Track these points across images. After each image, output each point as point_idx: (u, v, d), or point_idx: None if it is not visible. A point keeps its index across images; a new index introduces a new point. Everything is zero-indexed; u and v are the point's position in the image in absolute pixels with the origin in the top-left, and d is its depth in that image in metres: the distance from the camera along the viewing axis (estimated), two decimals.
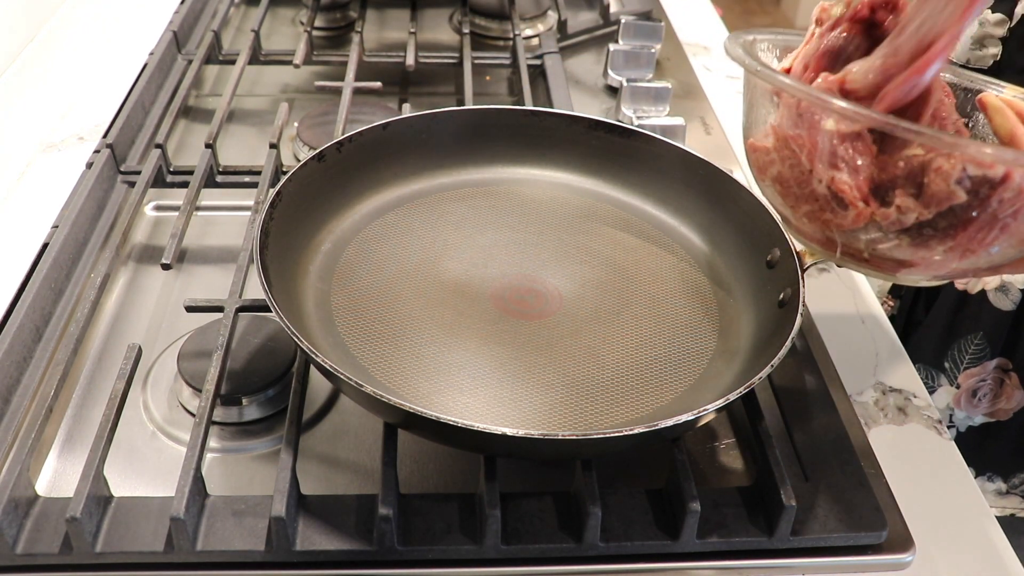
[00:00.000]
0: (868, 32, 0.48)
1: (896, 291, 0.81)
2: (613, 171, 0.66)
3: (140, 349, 0.52)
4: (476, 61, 0.87)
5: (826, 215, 0.47)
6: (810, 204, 0.48)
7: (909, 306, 0.81)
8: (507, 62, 0.90)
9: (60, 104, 0.83)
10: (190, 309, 0.56)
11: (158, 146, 0.70)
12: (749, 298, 0.57)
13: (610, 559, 0.46)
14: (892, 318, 0.82)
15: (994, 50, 0.71)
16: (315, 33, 0.96)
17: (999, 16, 0.71)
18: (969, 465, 0.61)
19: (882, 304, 0.83)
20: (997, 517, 0.52)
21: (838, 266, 0.54)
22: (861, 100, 0.45)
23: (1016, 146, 0.45)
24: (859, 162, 0.44)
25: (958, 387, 0.78)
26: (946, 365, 0.79)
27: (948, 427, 0.80)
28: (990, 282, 0.76)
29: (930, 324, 0.79)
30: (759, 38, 0.56)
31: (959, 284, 0.76)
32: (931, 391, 0.80)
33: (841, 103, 0.42)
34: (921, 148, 0.43)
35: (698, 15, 1.08)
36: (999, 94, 0.50)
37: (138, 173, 0.69)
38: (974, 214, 0.42)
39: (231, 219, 0.71)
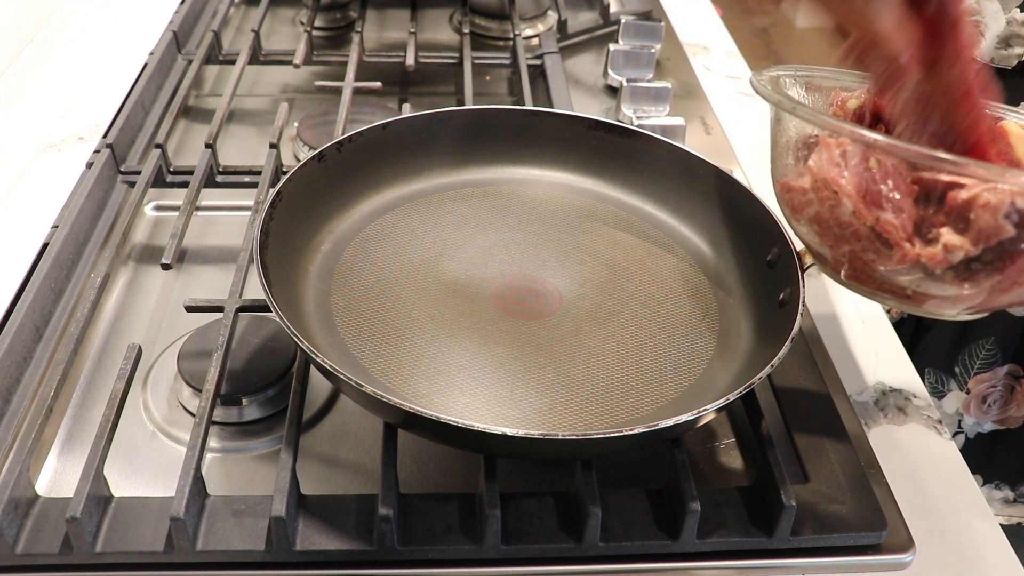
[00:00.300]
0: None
1: None
2: (613, 171, 0.66)
3: (140, 349, 0.52)
4: (476, 61, 0.87)
5: (868, 256, 0.46)
6: (851, 245, 0.46)
7: None
8: (507, 62, 0.90)
9: (60, 104, 0.83)
10: (190, 309, 0.56)
11: (158, 146, 0.70)
12: (749, 298, 0.57)
13: (610, 559, 0.46)
14: (901, 321, 0.82)
15: (1019, 50, 0.70)
16: (315, 33, 0.96)
17: None
18: (977, 472, 0.61)
19: (892, 307, 0.82)
20: (1004, 526, 0.52)
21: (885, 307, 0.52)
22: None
23: None
24: (903, 202, 0.43)
25: (968, 392, 0.78)
26: (956, 370, 0.78)
27: (957, 433, 0.80)
28: None
29: (941, 328, 0.79)
30: (782, 74, 0.54)
31: None
32: (940, 396, 0.79)
33: (885, 139, 0.41)
34: (966, 182, 0.42)
35: (698, 15, 1.08)
36: (1019, 121, 0.50)
37: (138, 173, 0.69)
38: (1023, 247, 0.41)
39: (231, 219, 0.71)
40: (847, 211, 0.45)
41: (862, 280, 0.48)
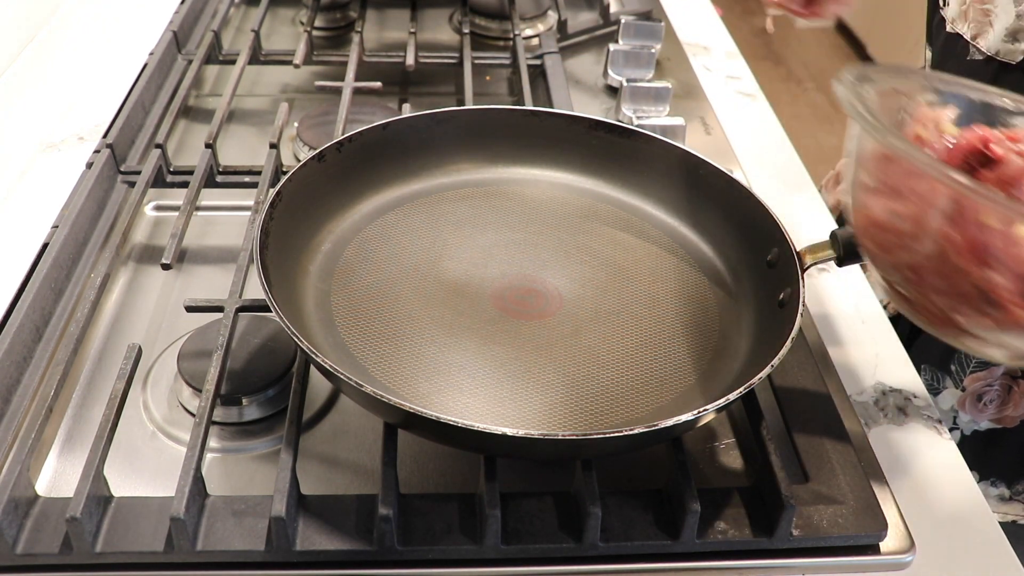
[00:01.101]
0: (977, 162, 0.44)
1: None
2: (613, 171, 0.66)
3: (140, 349, 0.52)
4: (476, 61, 0.87)
5: (965, 310, 0.42)
6: (949, 298, 0.42)
7: None
8: (507, 62, 0.90)
9: (60, 104, 0.83)
10: (190, 309, 0.56)
11: (158, 146, 0.70)
12: (749, 298, 0.57)
13: (610, 559, 0.46)
14: (898, 317, 0.82)
15: None
16: (315, 33, 0.96)
17: None
18: (973, 470, 0.60)
19: (889, 303, 0.82)
20: (999, 523, 0.52)
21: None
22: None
23: None
24: (1016, 259, 0.39)
25: (963, 390, 0.77)
26: (952, 368, 0.78)
27: (952, 430, 0.79)
28: None
29: None
30: (858, 82, 0.45)
31: None
32: (936, 393, 0.79)
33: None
34: None
35: (698, 15, 1.08)
36: None
37: (138, 173, 0.69)
38: None
39: (231, 219, 0.71)
40: (953, 266, 0.40)
41: (937, 323, 0.44)
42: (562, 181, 0.66)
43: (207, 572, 0.45)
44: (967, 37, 0.71)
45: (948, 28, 0.73)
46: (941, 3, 0.75)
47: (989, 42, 0.70)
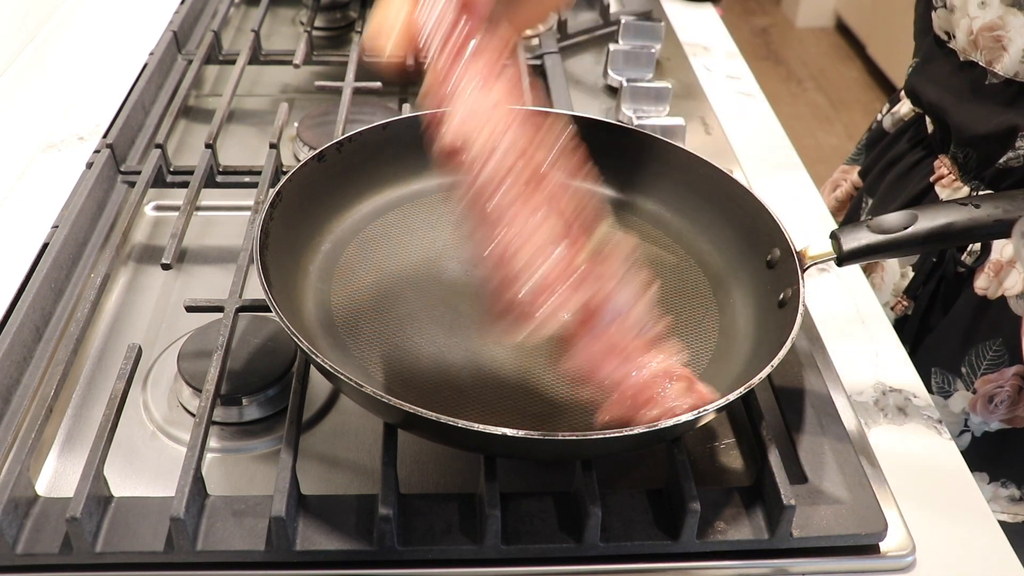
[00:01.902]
0: None
1: (912, 291, 0.81)
2: (613, 171, 0.66)
3: (140, 349, 0.52)
4: None
5: None
6: None
7: (925, 308, 0.80)
8: (507, 62, 0.90)
9: (60, 104, 0.83)
10: (190, 309, 0.56)
11: (158, 146, 0.70)
12: (749, 298, 0.57)
13: (610, 559, 0.46)
14: (905, 319, 0.82)
15: None
16: (315, 33, 0.96)
17: None
18: (984, 471, 0.60)
19: (896, 304, 0.82)
20: (1008, 523, 0.52)
21: None
22: None
23: None
24: None
25: (974, 392, 0.77)
26: (963, 370, 0.78)
27: (963, 432, 0.79)
28: (1010, 288, 0.74)
29: (947, 328, 0.78)
30: None
31: (978, 289, 0.76)
32: (946, 395, 0.79)
33: None
34: None
35: (698, 15, 1.08)
36: None
37: (138, 173, 0.69)
38: None
39: (231, 219, 0.71)
40: None
41: None
42: None
43: (207, 572, 0.45)
44: (982, 64, 0.72)
45: (961, 58, 0.74)
46: (946, 37, 0.76)
47: (1006, 65, 0.70)
